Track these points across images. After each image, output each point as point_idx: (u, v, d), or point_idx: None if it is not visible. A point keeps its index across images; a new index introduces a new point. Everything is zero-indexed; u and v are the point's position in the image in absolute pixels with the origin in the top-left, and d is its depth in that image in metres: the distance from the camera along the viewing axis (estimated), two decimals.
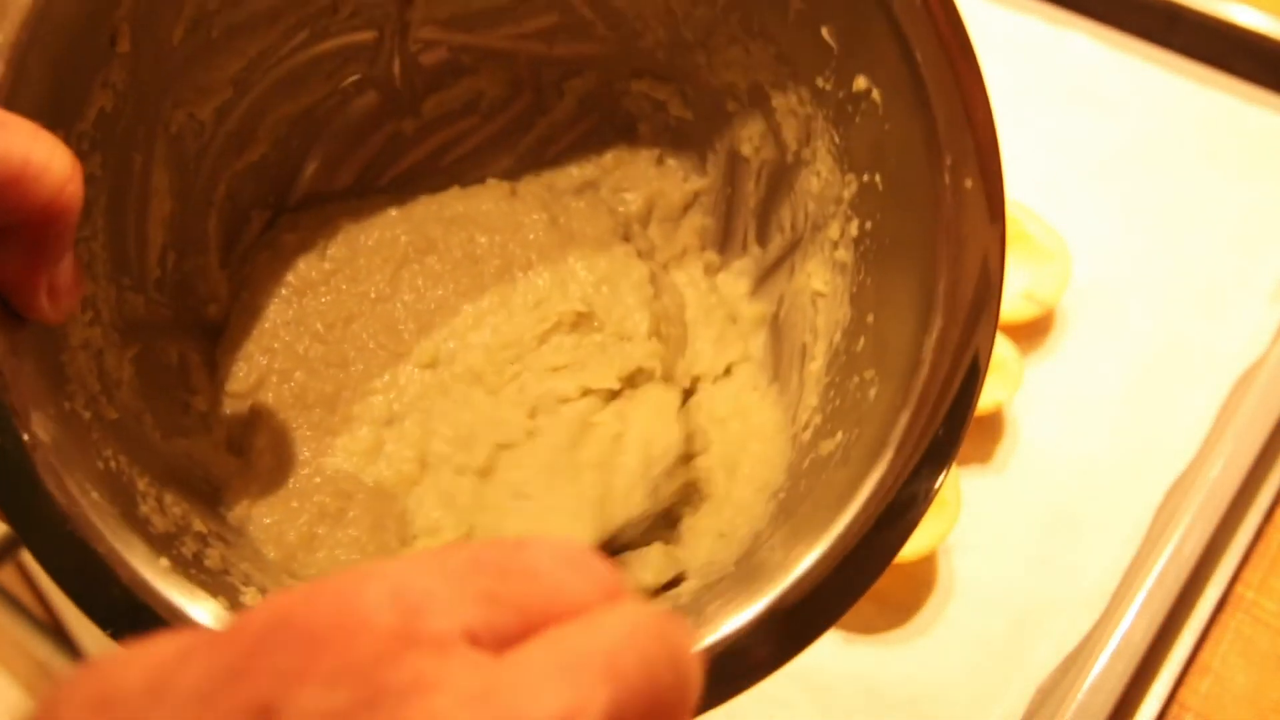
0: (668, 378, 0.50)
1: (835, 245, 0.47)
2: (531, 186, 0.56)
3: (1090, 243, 0.68)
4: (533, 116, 0.57)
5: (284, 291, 0.51)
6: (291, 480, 0.47)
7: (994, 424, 0.62)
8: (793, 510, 0.42)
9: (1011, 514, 0.59)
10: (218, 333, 0.50)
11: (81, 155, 0.37)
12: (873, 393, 0.41)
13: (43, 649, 0.72)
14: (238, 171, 0.51)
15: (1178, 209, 0.70)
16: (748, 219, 0.55)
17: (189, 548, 0.39)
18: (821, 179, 0.48)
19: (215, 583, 0.38)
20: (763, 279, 0.54)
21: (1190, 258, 0.68)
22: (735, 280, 0.55)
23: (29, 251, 0.34)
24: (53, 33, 0.37)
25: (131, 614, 0.36)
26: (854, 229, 0.45)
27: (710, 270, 0.55)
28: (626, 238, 0.55)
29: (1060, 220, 0.67)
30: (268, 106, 0.51)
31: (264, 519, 0.45)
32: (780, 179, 0.52)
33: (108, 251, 0.43)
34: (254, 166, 0.52)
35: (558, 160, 0.57)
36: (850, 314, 0.46)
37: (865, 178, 0.44)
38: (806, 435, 0.46)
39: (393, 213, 0.53)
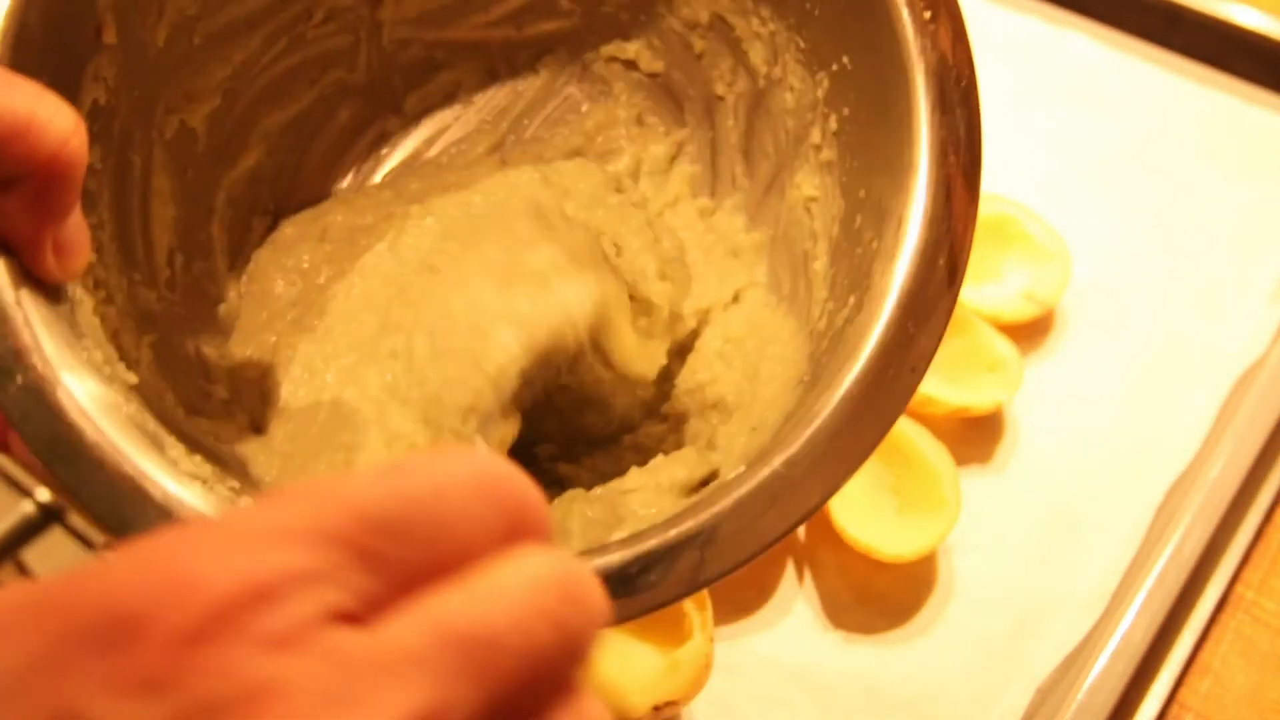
0: (675, 317, 0.51)
1: (819, 148, 0.49)
2: (521, 158, 0.58)
3: (1090, 243, 0.68)
4: (511, 98, 0.59)
5: (291, 277, 0.51)
6: (314, 453, 0.47)
7: (994, 424, 0.62)
8: (817, 380, 0.42)
9: (1011, 514, 0.59)
10: (230, 329, 0.51)
11: None
12: (874, 245, 0.42)
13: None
14: (235, 179, 0.53)
15: (1178, 209, 0.70)
16: (733, 156, 0.56)
17: (219, 493, 0.39)
18: (795, 91, 0.50)
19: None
20: (757, 209, 0.55)
21: (1190, 258, 0.68)
22: (731, 217, 0.56)
23: (35, 205, 0.35)
24: (40, 17, 0.39)
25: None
26: (833, 123, 0.47)
27: (705, 214, 0.56)
28: (619, 190, 0.56)
29: (1060, 220, 0.67)
30: (257, 114, 0.53)
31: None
32: (757, 108, 0.53)
33: (115, 244, 0.44)
34: (250, 173, 0.53)
35: (541, 135, 0.59)
36: (843, 204, 0.47)
37: (834, 66, 0.47)
38: (822, 323, 0.46)
39: (386, 195, 0.54)
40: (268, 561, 0.18)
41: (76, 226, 0.37)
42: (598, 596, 0.21)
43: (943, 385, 0.60)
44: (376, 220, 0.53)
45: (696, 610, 0.51)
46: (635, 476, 0.46)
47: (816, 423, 0.38)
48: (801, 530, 0.58)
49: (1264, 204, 0.70)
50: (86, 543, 0.73)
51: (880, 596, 0.57)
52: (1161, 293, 0.67)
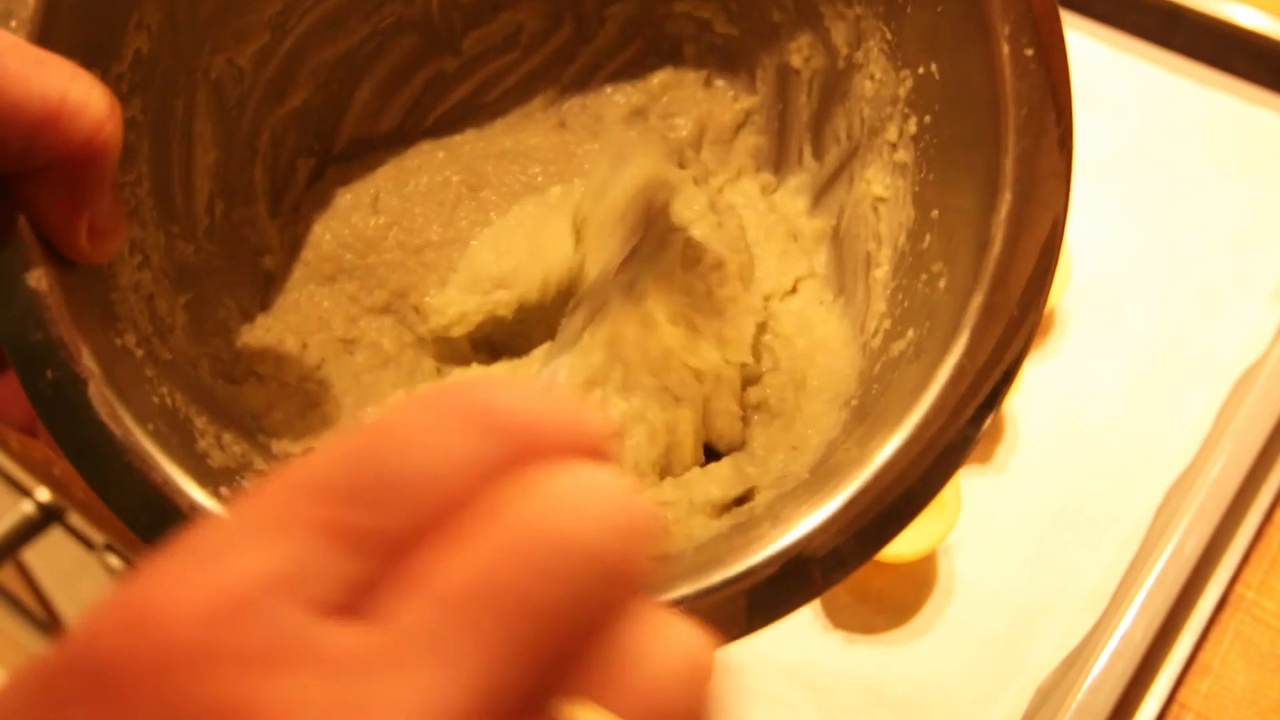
0: (744, 306, 0.50)
1: (894, 147, 0.46)
2: (580, 118, 0.55)
3: (1090, 243, 0.68)
4: (575, 47, 0.56)
5: (346, 255, 0.50)
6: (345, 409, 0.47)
7: (994, 424, 0.62)
8: (867, 413, 0.41)
9: (1011, 514, 0.59)
10: (271, 284, 0.50)
11: (121, 98, 0.37)
12: (942, 284, 0.41)
13: (43, 649, 0.73)
14: (280, 118, 0.51)
15: (1178, 209, 0.70)
16: (802, 133, 0.53)
17: (250, 483, 0.38)
18: (875, 81, 0.47)
19: None
20: (821, 193, 0.53)
21: (1190, 257, 0.68)
22: (793, 198, 0.54)
23: (67, 192, 0.33)
24: None
25: None
26: (912, 126, 0.45)
27: (767, 190, 0.55)
28: (681, 165, 0.54)
29: None
30: (307, 51, 0.50)
31: None
32: (833, 87, 0.50)
33: (153, 198, 0.43)
34: (296, 113, 0.51)
35: (603, 90, 0.56)
36: (914, 214, 0.45)
37: (921, 70, 0.43)
38: (876, 341, 0.45)
39: (440, 155, 0.53)
40: (232, 570, 0.16)
41: (111, 208, 0.35)
42: (632, 509, 0.18)
43: None
44: (431, 186, 0.51)
45: None
46: (670, 488, 0.44)
47: (866, 474, 0.37)
48: None
49: (1264, 203, 0.70)
50: (87, 543, 0.73)
51: (880, 596, 0.57)
52: (1161, 292, 0.67)
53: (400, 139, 0.55)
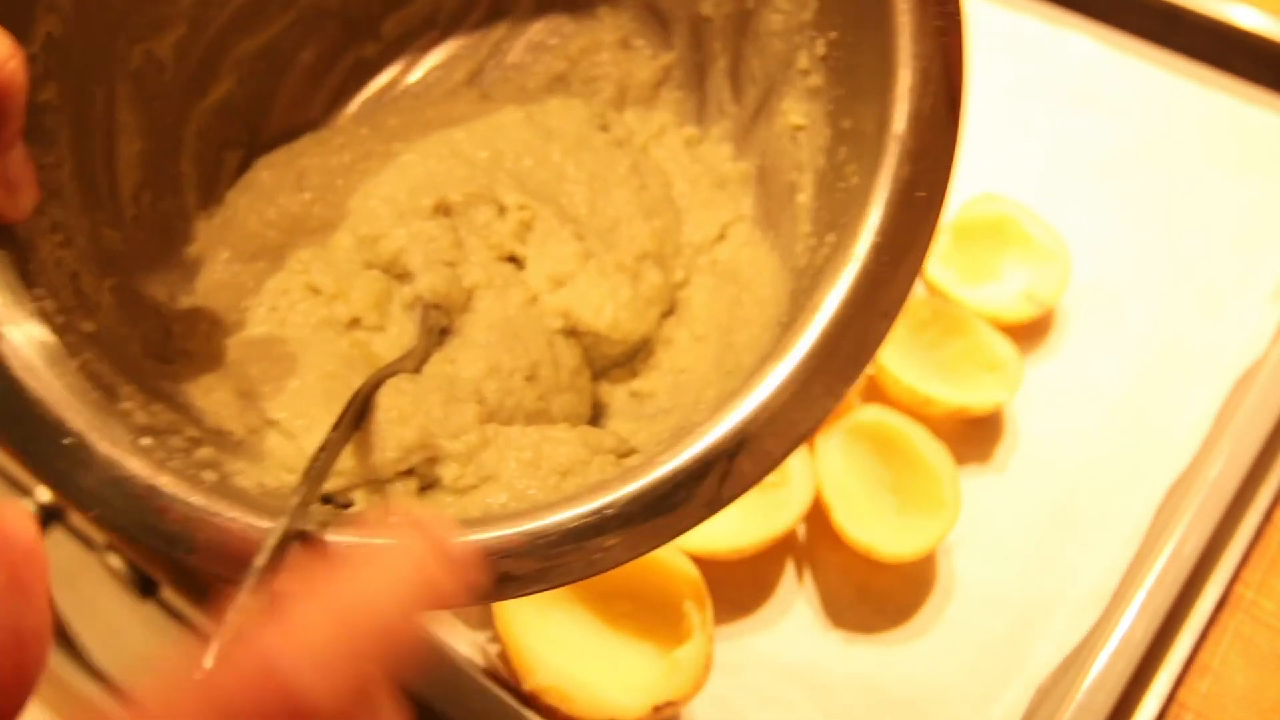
0: (666, 267, 0.51)
1: (806, 73, 0.48)
2: (503, 90, 0.56)
3: (1090, 243, 0.68)
4: (493, 19, 0.57)
5: (270, 233, 0.50)
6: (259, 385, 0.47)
7: (994, 424, 0.62)
8: (794, 321, 0.42)
9: (1011, 514, 0.59)
10: (199, 265, 0.50)
11: (35, 80, 0.37)
12: (855, 181, 0.42)
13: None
14: (205, 110, 0.51)
15: (1178, 209, 0.70)
16: (720, 81, 0.55)
17: (173, 445, 0.38)
18: (782, 12, 0.49)
19: (196, 469, 0.37)
20: (744, 136, 0.54)
21: (1190, 257, 0.68)
22: (717, 147, 0.55)
23: None
24: None
25: (113, 494, 0.35)
26: (820, 48, 0.46)
27: (692, 144, 0.56)
28: (604, 127, 0.54)
29: (1060, 220, 0.67)
30: (227, 42, 0.51)
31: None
32: (744, 29, 0.52)
33: (76, 183, 0.43)
34: (221, 104, 0.52)
35: (523, 60, 0.57)
36: (829, 133, 0.46)
37: None
38: (804, 259, 0.46)
39: (363, 132, 0.53)
40: None
41: (21, 161, 0.36)
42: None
43: (943, 385, 0.60)
44: (355, 159, 0.51)
45: (696, 610, 0.51)
46: (568, 435, 0.45)
47: (773, 380, 0.37)
48: (801, 529, 0.59)
49: (1264, 204, 0.70)
50: (87, 543, 0.73)
51: (880, 596, 0.57)
52: (1161, 292, 0.67)
53: (327, 126, 0.55)
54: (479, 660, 0.53)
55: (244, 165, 0.53)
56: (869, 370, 0.39)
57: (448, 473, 0.42)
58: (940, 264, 0.65)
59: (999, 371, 0.61)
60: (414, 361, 0.46)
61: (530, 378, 0.46)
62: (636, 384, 0.51)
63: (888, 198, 0.39)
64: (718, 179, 0.54)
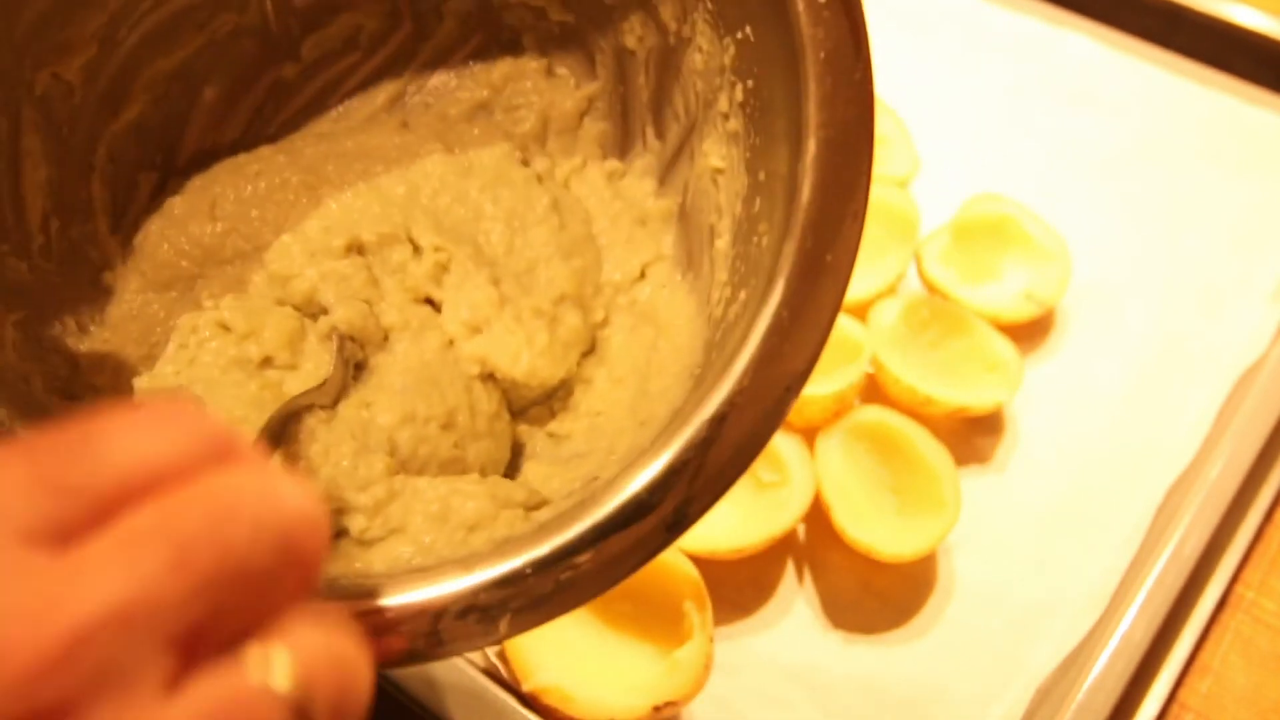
0: (585, 308, 0.51)
1: (726, 117, 0.47)
2: (423, 118, 0.55)
3: (1090, 243, 0.68)
4: (415, 44, 0.56)
5: (182, 263, 0.50)
6: None
7: (994, 424, 0.62)
8: (704, 379, 0.41)
9: (1011, 514, 0.59)
10: (109, 296, 0.49)
11: None
12: (765, 242, 0.41)
13: None
14: (116, 132, 0.50)
15: (1178, 209, 0.70)
16: (643, 114, 0.54)
17: None
18: (704, 53, 0.48)
19: None
20: (666, 173, 0.54)
21: (1190, 257, 0.68)
22: (639, 181, 0.55)
23: None
24: None
25: None
26: (739, 93, 0.46)
27: (614, 177, 0.55)
28: (525, 161, 0.54)
29: (1060, 220, 0.67)
30: (139, 63, 0.50)
31: None
32: (667, 64, 0.52)
33: None
34: (133, 126, 0.51)
35: (446, 86, 0.57)
36: (746, 180, 0.46)
37: (739, 34, 0.45)
38: (719, 310, 0.46)
39: (280, 159, 0.52)
40: None
41: None
42: (301, 508, 0.23)
43: (943, 385, 0.60)
44: (270, 188, 0.51)
45: (696, 610, 0.51)
46: (477, 487, 0.45)
47: (680, 442, 0.37)
48: (801, 530, 0.59)
49: (1264, 204, 0.70)
50: None
51: (880, 596, 0.57)
52: (1161, 292, 0.67)
53: (245, 148, 0.54)
54: (479, 660, 0.53)
55: (160, 188, 0.52)
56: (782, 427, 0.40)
57: (354, 524, 0.42)
58: (940, 264, 0.65)
59: (999, 371, 0.61)
60: (329, 394, 0.45)
61: (446, 425, 0.46)
62: (554, 425, 0.50)
63: (791, 269, 0.38)
64: (639, 215, 0.54)
